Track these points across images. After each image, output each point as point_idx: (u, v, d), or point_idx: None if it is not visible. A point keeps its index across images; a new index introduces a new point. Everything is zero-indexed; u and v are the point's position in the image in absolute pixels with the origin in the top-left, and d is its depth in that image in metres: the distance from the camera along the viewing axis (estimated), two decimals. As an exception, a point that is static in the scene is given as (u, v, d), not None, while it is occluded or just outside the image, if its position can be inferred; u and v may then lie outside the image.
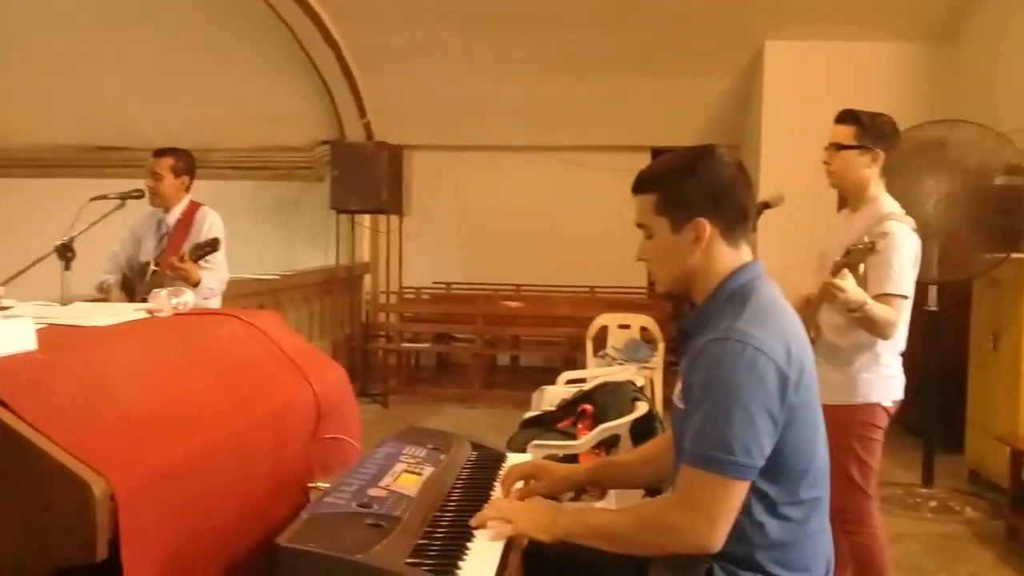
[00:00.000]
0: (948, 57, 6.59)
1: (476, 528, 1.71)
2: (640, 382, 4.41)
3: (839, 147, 3.01)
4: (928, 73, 6.61)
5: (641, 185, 1.82)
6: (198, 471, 1.52)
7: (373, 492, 1.66)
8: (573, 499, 3.65)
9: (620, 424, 3.68)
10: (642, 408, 3.79)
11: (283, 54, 8.00)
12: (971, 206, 4.63)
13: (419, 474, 1.84)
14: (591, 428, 3.80)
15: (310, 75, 8.19)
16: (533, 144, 8.42)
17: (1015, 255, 4.70)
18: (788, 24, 6.69)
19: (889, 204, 3.02)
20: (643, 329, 6.46)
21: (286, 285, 7.07)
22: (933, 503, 4.72)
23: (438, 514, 1.78)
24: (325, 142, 8.53)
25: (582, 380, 4.85)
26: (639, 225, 1.83)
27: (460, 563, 1.56)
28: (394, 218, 8.37)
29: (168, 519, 1.42)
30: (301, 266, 7.98)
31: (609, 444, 3.77)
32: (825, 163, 3.06)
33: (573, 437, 3.81)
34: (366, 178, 7.64)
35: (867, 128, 3.00)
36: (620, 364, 6.01)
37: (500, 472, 2.09)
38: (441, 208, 8.84)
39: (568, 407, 4.10)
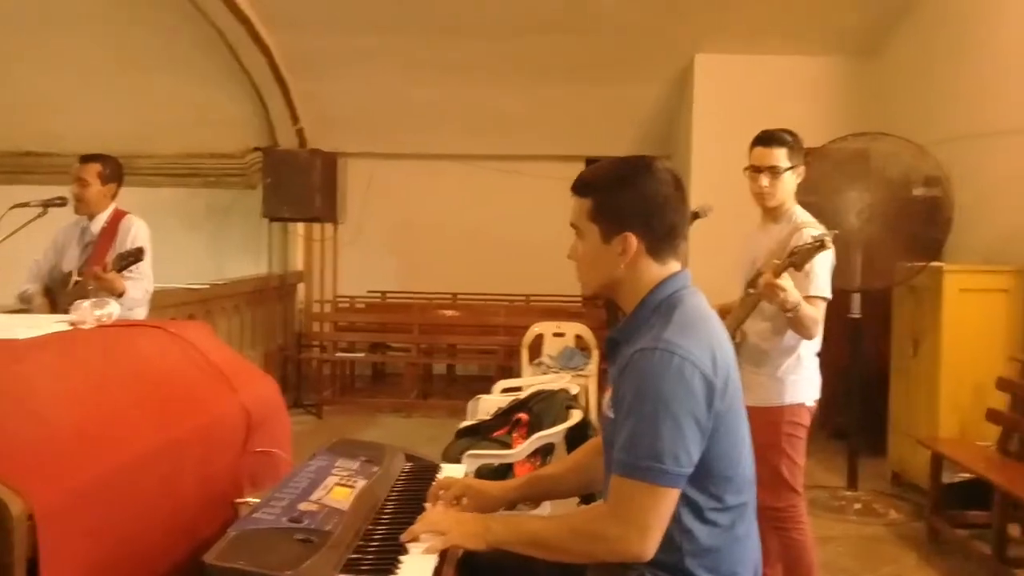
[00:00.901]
0: (870, 71, 6.81)
1: (409, 542, 1.70)
2: (575, 390, 4.43)
3: (777, 170, 3.10)
4: (851, 87, 6.81)
5: (580, 188, 1.84)
6: (121, 488, 1.48)
7: (304, 506, 1.64)
8: (508, 507, 3.67)
9: (555, 432, 3.70)
10: (576, 416, 3.82)
11: (214, 59, 7.85)
12: (892, 216, 4.78)
13: (351, 487, 1.82)
14: (526, 437, 3.81)
15: (242, 81, 8.06)
16: (469, 152, 8.42)
17: (933, 264, 4.87)
18: (717, 38, 6.83)
19: (802, 214, 3.16)
20: (578, 337, 6.52)
21: (217, 295, 6.93)
22: (857, 505, 4.84)
23: (371, 527, 1.77)
24: (257, 149, 8.41)
25: (517, 388, 4.86)
26: (573, 225, 1.85)
27: (392, 577, 1.55)
28: (328, 226, 8.28)
29: (90, 538, 1.38)
30: (232, 275, 7.82)
31: (544, 452, 3.79)
32: (763, 187, 3.13)
33: (508, 446, 3.82)
34: (299, 186, 7.56)
35: (794, 147, 3.13)
36: (555, 372, 6.05)
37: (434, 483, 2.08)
38: (376, 216, 8.78)
39: (503, 416, 4.10)
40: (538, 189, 7.92)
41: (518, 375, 6.16)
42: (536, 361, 6.48)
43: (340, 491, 1.77)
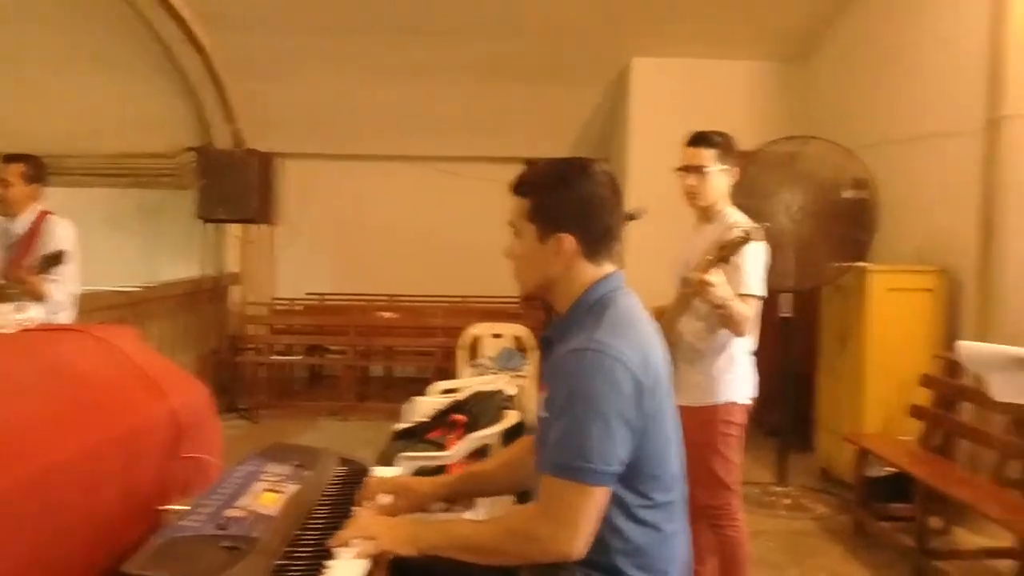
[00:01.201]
0: (801, 76, 6.97)
1: (337, 548, 1.69)
2: (512, 391, 4.45)
3: (704, 170, 3.15)
4: (784, 91, 6.97)
5: (518, 188, 1.85)
6: (39, 496, 1.44)
7: (230, 513, 1.62)
8: (444, 510, 3.66)
9: (491, 434, 3.71)
10: (513, 417, 3.84)
11: (146, 57, 7.66)
12: (822, 218, 4.92)
13: (281, 492, 1.80)
14: (462, 438, 3.81)
15: (176, 80, 7.87)
16: (407, 154, 8.38)
17: (860, 264, 5.02)
18: (654, 42, 6.91)
19: (735, 213, 3.21)
20: (516, 338, 6.53)
21: (148, 297, 6.77)
22: (787, 500, 4.96)
23: (300, 533, 1.75)
24: (191, 149, 8.22)
25: (455, 390, 4.86)
26: (510, 224, 1.86)
27: (321, 583, 1.54)
28: (265, 227, 8.16)
29: (7, 548, 1.34)
30: (165, 277, 7.65)
31: (480, 454, 3.79)
32: (691, 186, 3.18)
33: (444, 448, 3.82)
34: (235, 186, 7.43)
35: (725, 148, 3.17)
36: (493, 373, 6.05)
37: (367, 487, 2.06)
38: (314, 217, 8.68)
39: (439, 417, 4.10)
40: (476, 191, 7.91)
41: (456, 376, 6.15)
42: (474, 362, 6.47)
43: (269, 497, 1.75)
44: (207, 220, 7.56)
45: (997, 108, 4.30)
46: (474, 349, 6.47)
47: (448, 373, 6.68)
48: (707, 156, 3.16)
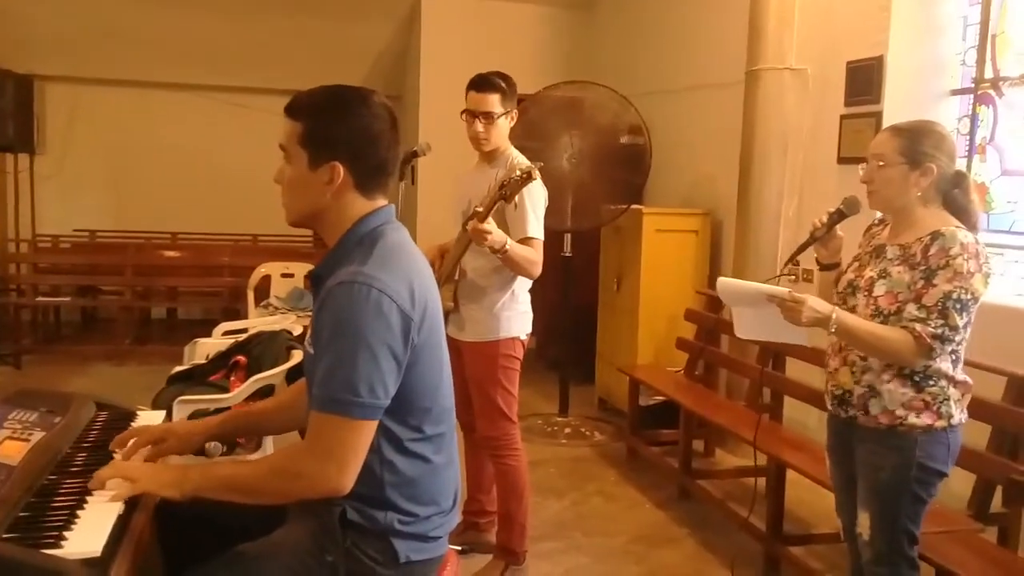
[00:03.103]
0: (586, 22, 7.17)
1: (94, 490, 1.61)
2: (298, 330, 4.36)
3: (490, 115, 3.17)
4: (568, 36, 7.14)
5: (292, 110, 1.78)
6: None
7: (-36, 464, 1.51)
8: (225, 453, 3.57)
9: (274, 374, 3.63)
10: (297, 357, 3.76)
11: None
12: (600, 162, 5.13)
13: (26, 440, 1.69)
14: (245, 380, 3.71)
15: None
16: (188, 82, 7.89)
17: (635, 206, 5.30)
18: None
19: (516, 155, 3.26)
20: (307, 278, 6.40)
21: None
22: (568, 430, 5.24)
23: (49, 482, 1.65)
24: (-67, 68, 7.32)
25: (242, 331, 4.70)
26: (281, 147, 1.79)
27: (68, 532, 1.46)
28: (23, 157, 7.44)
29: None
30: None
31: (264, 395, 3.71)
32: (478, 132, 3.20)
33: (226, 390, 3.70)
34: (-14, 111, 6.73)
35: (507, 92, 3.20)
36: (283, 314, 5.92)
37: (130, 432, 1.97)
38: (82, 148, 8.02)
39: (220, 359, 3.96)
40: (265, 124, 7.55)
41: (245, 318, 5.95)
42: (264, 303, 6.29)
43: (11, 445, 1.64)
44: (-46, 148, 6.81)
45: (755, 61, 4.64)
46: (264, 289, 6.29)
47: (236, 314, 6.46)
48: (492, 101, 3.17)
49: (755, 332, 2.52)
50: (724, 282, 2.48)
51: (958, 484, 2.87)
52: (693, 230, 5.33)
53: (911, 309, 2.21)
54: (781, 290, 2.28)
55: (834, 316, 2.22)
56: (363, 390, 1.63)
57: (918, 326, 2.17)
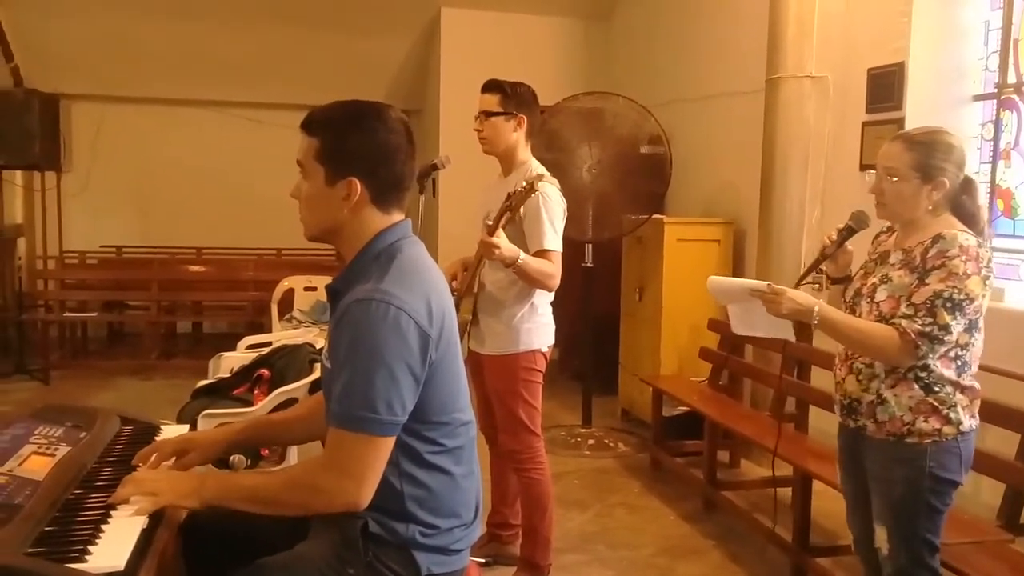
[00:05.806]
0: (604, 33, 7.19)
1: (116, 506, 1.62)
2: (321, 344, 4.39)
3: (488, 114, 3.19)
4: (586, 47, 7.16)
5: (309, 125, 1.79)
6: None
7: (-10, 479, 1.52)
8: (250, 467, 3.59)
9: (297, 387, 3.65)
10: (320, 370, 3.78)
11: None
12: (620, 172, 5.12)
13: (52, 455, 1.71)
14: (268, 393, 3.73)
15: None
16: (212, 99, 7.97)
17: (656, 216, 5.29)
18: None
19: (537, 167, 3.24)
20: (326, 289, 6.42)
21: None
22: (591, 441, 5.21)
23: (74, 497, 1.67)
24: (-38, 88, 7.46)
25: (266, 344, 4.73)
26: (299, 163, 1.80)
27: (92, 547, 1.47)
28: (50, 175, 7.55)
29: None
30: (-63, 229, 6.96)
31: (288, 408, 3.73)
32: (477, 130, 3.22)
33: (250, 403, 3.73)
34: (14, 130, 6.90)
35: (510, 95, 3.20)
36: (306, 327, 5.95)
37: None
38: (108, 165, 8.12)
39: (244, 373, 3.99)
40: (287, 139, 7.61)
41: (268, 331, 5.99)
42: (287, 316, 6.33)
43: (37, 460, 1.66)
44: (-17, 167, 6.92)
45: (775, 70, 4.62)
46: (287, 303, 6.34)
47: (260, 328, 6.50)
48: (491, 101, 3.18)
49: (747, 328, 2.51)
50: (714, 280, 2.49)
51: (987, 493, 2.83)
52: (715, 239, 5.31)
53: (901, 307, 2.19)
54: (760, 283, 2.29)
55: (816, 309, 2.22)
56: (381, 407, 1.64)
57: (904, 322, 2.15)
